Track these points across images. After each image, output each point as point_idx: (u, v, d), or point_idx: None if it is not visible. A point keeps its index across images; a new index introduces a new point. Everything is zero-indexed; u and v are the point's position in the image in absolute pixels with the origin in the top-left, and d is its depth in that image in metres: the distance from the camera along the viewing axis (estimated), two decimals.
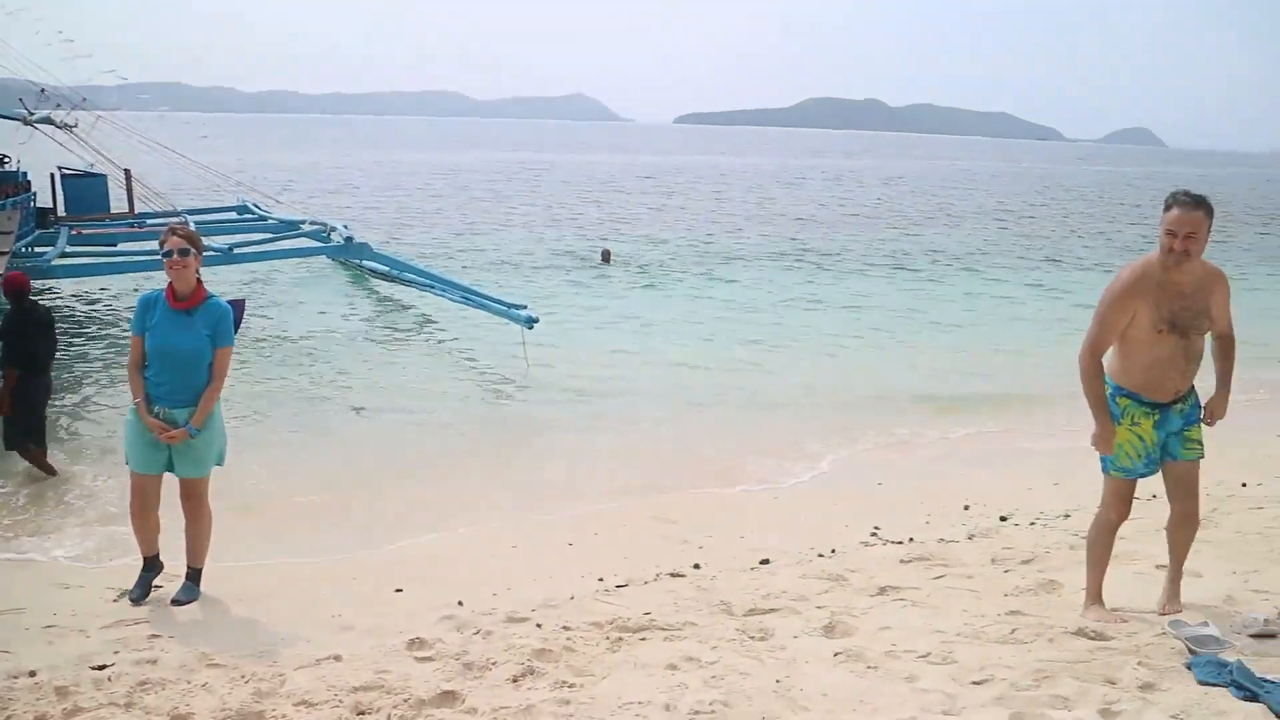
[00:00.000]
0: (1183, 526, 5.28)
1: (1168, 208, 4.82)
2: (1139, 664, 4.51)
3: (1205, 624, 4.87)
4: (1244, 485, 8.60)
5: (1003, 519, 7.81)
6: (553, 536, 7.78)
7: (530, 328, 13.61)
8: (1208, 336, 5.09)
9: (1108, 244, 33.05)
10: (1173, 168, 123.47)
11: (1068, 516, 7.57)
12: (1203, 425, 5.15)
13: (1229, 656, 4.54)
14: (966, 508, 8.25)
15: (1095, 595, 5.38)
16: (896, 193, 57.40)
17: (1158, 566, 6.08)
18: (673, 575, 6.63)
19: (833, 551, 7.05)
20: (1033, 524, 7.59)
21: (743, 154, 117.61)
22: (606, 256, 23.63)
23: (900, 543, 7.21)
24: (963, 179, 75.05)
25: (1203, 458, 5.17)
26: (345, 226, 19.99)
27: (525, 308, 14.05)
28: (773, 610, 5.73)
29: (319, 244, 19.72)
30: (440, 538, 7.86)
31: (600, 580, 6.59)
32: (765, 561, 6.88)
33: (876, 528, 7.68)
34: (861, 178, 71.42)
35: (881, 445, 10.72)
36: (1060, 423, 10.83)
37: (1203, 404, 5.18)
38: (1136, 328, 4.92)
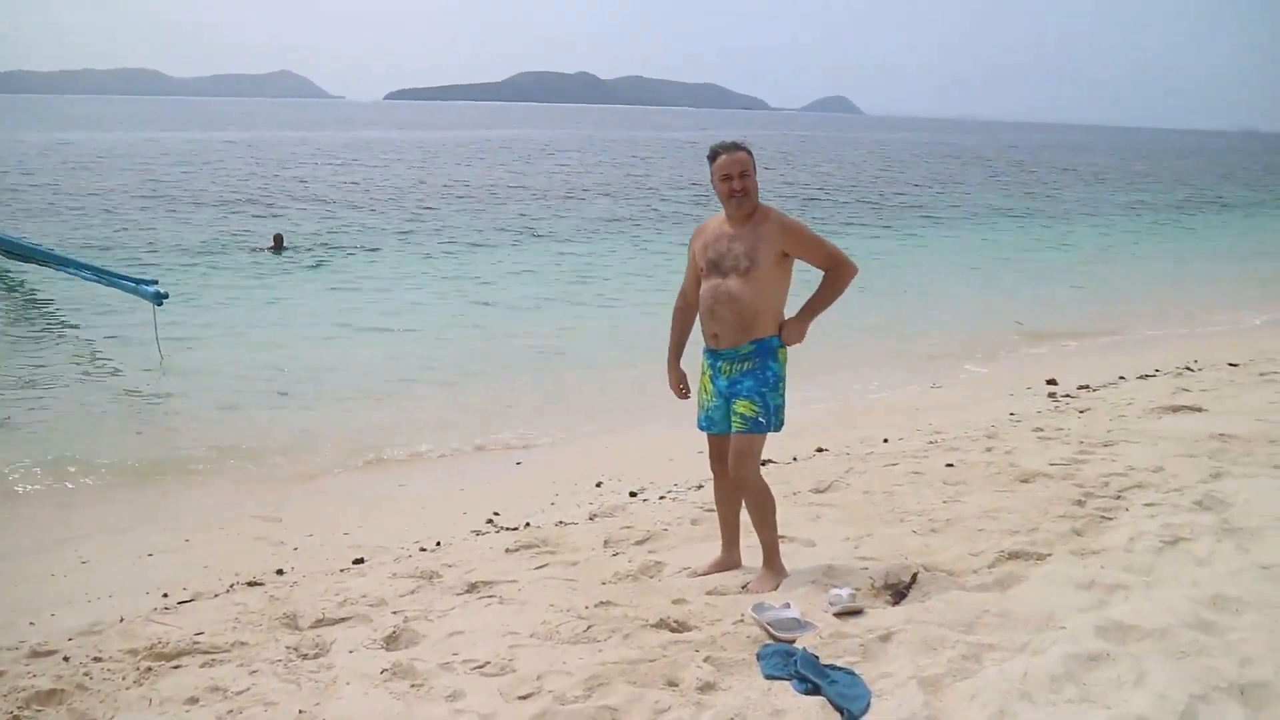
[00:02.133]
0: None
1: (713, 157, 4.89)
2: (706, 659, 4.07)
3: (787, 605, 4.48)
4: (885, 441, 8.53)
5: (632, 494, 7.39)
6: (134, 545, 6.78)
7: (159, 304, 12.30)
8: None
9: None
10: (861, 133, 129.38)
11: (699, 488, 7.20)
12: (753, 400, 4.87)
13: (808, 640, 4.15)
14: (599, 484, 7.77)
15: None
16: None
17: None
18: (250, 584, 5.84)
19: (437, 545, 6.40)
20: (661, 498, 7.18)
21: (438, 129, 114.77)
22: (279, 242, 21.33)
23: (515, 529, 6.63)
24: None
25: (747, 431, 4.89)
26: None
27: (155, 282, 12.71)
28: (342, 620, 5.02)
29: None
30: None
31: (165, 596, 5.72)
32: (359, 561, 6.18)
33: (496, 513, 7.09)
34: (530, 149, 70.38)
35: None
36: None
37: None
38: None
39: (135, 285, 12.94)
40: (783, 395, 4.93)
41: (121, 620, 5.22)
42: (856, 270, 4.91)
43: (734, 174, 4.80)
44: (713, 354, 4.94)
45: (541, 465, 8.53)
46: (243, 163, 48.49)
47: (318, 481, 8.30)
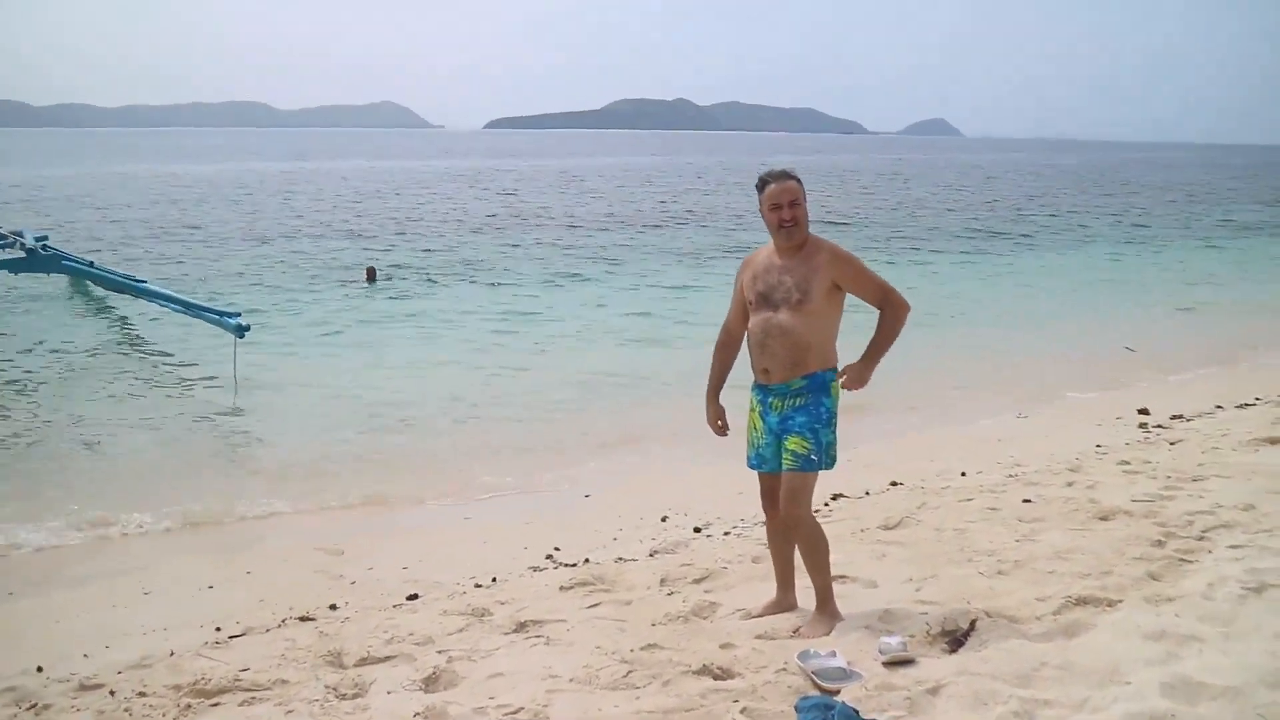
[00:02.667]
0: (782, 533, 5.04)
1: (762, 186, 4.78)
2: (743, 711, 3.89)
3: (833, 653, 4.28)
4: (963, 474, 8.24)
5: (696, 530, 7.22)
6: (196, 576, 6.81)
7: (242, 336, 12.50)
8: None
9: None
10: (963, 155, 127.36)
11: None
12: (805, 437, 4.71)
13: (852, 691, 3.96)
14: (664, 519, 7.62)
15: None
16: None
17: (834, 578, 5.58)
18: (302, 619, 5.80)
19: (493, 581, 6.30)
20: (726, 534, 7.01)
21: (542, 157, 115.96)
22: (371, 275, 21.47)
23: (573, 565, 6.51)
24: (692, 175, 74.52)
25: (798, 469, 4.73)
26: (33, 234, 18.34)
27: (238, 315, 12.92)
28: (387, 659, 4.95)
29: None
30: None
31: (218, 629, 5.72)
32: (413, 597, 6.10)
33: (556, 548, 6.97)
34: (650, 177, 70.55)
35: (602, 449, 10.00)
36: None
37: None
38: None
39: (219, 317, 13.17)
40: (835, 432, 4.77)
41: (171, 654, 5.23)
42: (909, 307, 4.77)
43: (784, 203, 4.68)
44: (763, 389, 4.80)
45: (610, 498, 8.40)
46: (339, 192, 49.52)
47: (385, 512, 8.30)
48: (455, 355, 14.70)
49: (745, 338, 4.88)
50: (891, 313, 4.74)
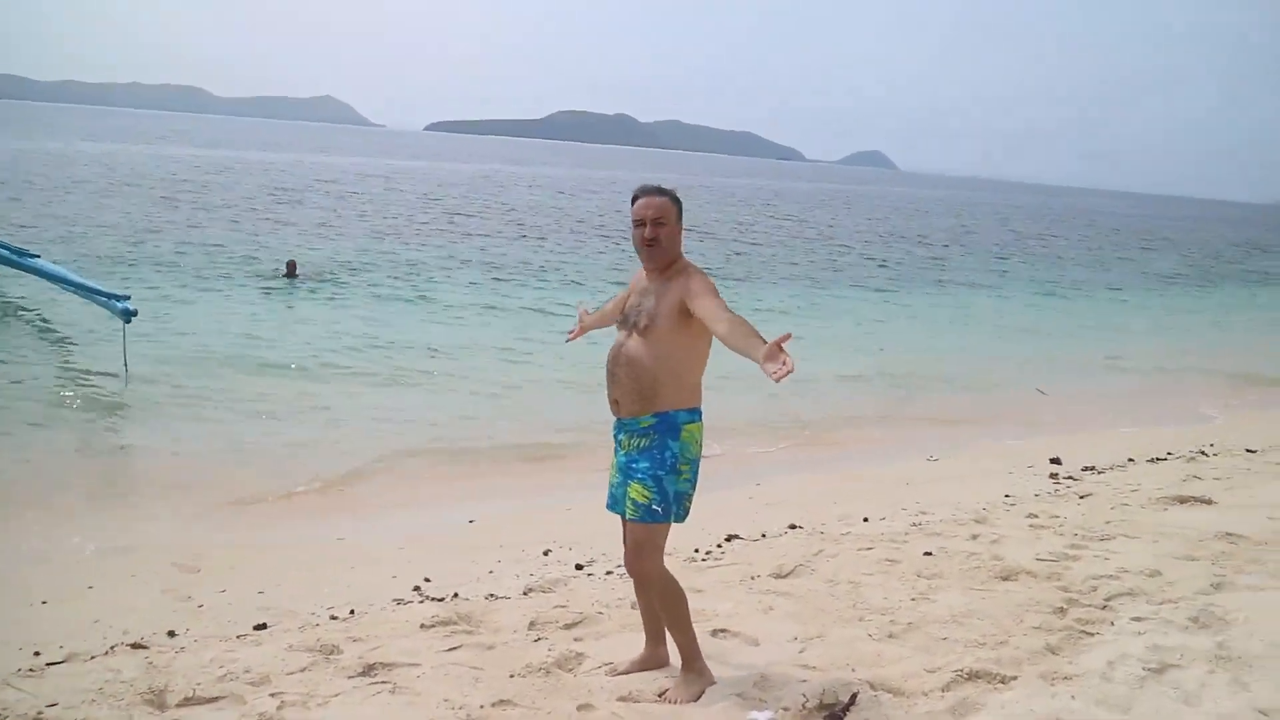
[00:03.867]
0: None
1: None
2: None
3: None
4: (865, 520, 7.90)
5: (578, 567, 6.77)
6: (32, 589, 6.25)
7: (129, 321, 11.87)
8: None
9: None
10: (896, 187, 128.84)
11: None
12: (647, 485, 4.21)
13: None
14: (547, 552, 7.17)
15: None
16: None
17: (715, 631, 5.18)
18: (134, 646, 5.27)
19: (350, 613, 5.80)
20: (609, 573, 6.56)
21: (470, 161, 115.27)
22: (292, 268, 20.59)
23: (440, 599, 6.03)
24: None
25: (640, 520, 4.24)
26: None
27: (127, 298, 12.27)
28: (214, 700, 4.47)
29: None
30: None
31: (36, 655, 5.19)
32: (260, 626, 5.60)
33: (426, 578, 6.49)
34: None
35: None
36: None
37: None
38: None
39: (107, 299, 12.51)
40: (688, 480, 4.24)
41: None
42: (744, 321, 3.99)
43: (646, 219, 4.25)
44: (617, 423, 4.35)
45: (494, 524, 7.96)
46: (272, 185, 48.48)
47: (253, 526, 7.77)
48: (348, 352, 14.23)
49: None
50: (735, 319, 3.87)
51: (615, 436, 4.36)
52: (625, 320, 4.31)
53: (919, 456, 10.64)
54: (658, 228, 4.24)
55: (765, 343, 3.56)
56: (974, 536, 6.96)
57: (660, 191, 4.32)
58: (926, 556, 6.48)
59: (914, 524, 7.55)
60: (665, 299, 4.16)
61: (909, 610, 5.43)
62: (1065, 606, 5.42)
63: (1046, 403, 14.06)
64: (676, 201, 4.33)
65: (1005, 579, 5.98)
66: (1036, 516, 7.54)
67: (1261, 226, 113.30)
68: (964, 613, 5.34)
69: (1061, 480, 9.22)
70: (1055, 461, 9.93)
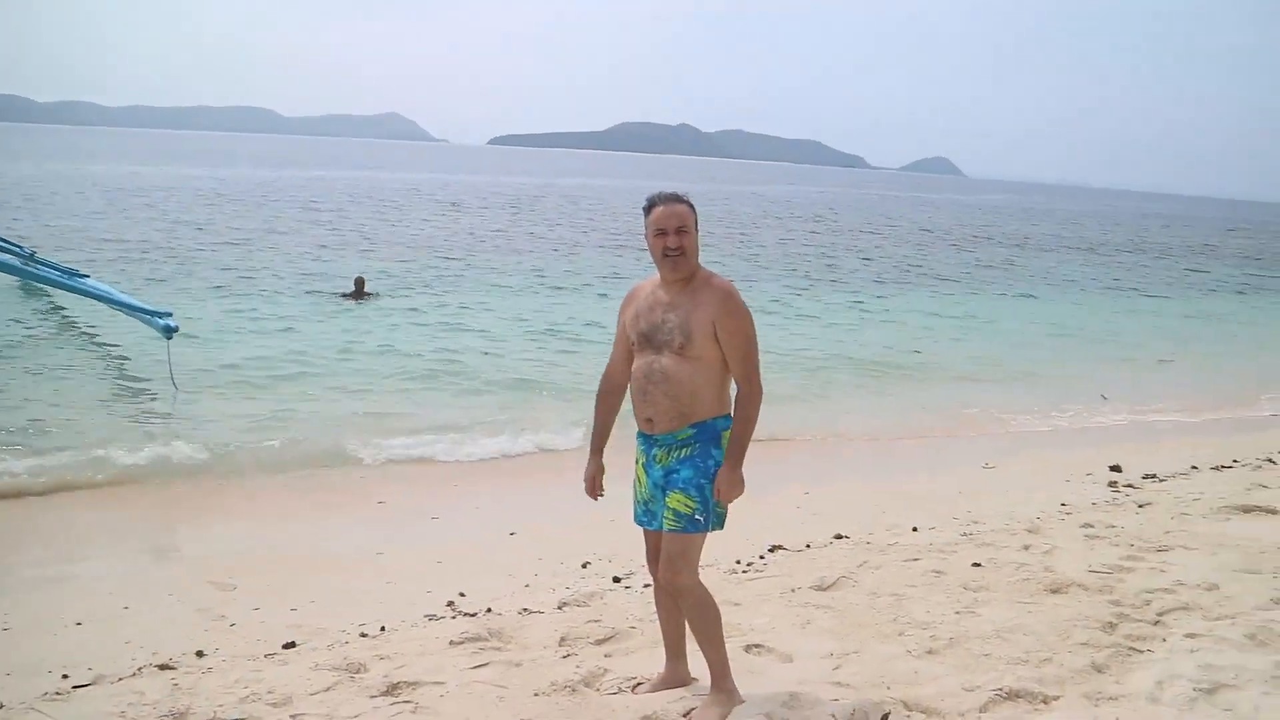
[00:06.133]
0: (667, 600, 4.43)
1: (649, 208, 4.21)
2: None
3: None
4: (914, 529, 7.68)
5: (616, 579, 6.65)
6: (68, 610, 6.22)
7: (170, 337, 11.96)
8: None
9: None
10: (965, 196, 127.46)
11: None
12: (689, 494, 4.10)
13: None
14: (586, 564, 7.06)
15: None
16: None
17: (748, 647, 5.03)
18: (162, 667, 5.21)
19: (381, 630, 5.72)
20: (646, 586, 6.40)
21: (539, 175, 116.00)
22: (360, 286, 20.00)
23: (473, 614, 5.93)
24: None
25: (680, 530, 4.11)
26: None
27: (169, 314, 12.37)
28: None
29: None
30: None
31: (65, 677, 5.17)
32: (289, 645, 5.53)
33: (461, 593, 6.41)
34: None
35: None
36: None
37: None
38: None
39: (149, 316, 12.63)
40: None
41: (2, 707, 4.66)
42: (762, 394, 4.09)
43: (670, 229, 4.09)
44: (647, 439, 4.21)
45: (536, 536, 7.84)
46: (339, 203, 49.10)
47: (296, 540, 7.73)
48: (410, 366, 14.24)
49: (630, 383, 4.28)
50: (745, 396, 4.07)
51: (648, 452, 4.22)
52: (650, 340, 4.13)
53: (974, 463, 10.38)
54: (681, 236, 4.10)
55: (736, 461, 4.02)
56: (1025, 547, 6.73)
57: (678, 199, 4.20)
58: (975, 568, 6.27)
59: (964, 534, 7.34)
60: (697, 317, 4.03)
61: (951, 625, 5.24)
62: (1115, 621, 5.20)
63: (1109, 408, 13.72)
64: (693, 208, 4.22)
65: (1054, 592, 5.76)
66: (1092, 526, 7.30)
67: None
68: (1008, 627, 5.14)
69: (1121, 488, 8.93)
70: (1115, 469, 9.63)
